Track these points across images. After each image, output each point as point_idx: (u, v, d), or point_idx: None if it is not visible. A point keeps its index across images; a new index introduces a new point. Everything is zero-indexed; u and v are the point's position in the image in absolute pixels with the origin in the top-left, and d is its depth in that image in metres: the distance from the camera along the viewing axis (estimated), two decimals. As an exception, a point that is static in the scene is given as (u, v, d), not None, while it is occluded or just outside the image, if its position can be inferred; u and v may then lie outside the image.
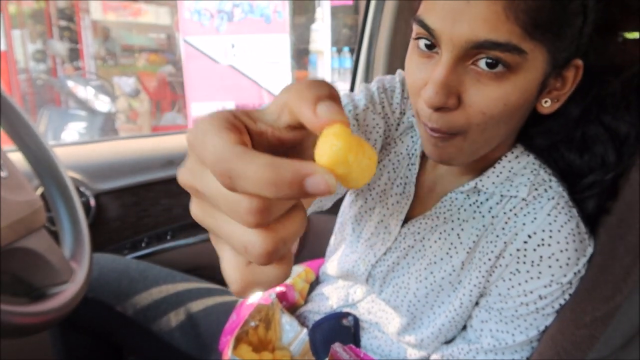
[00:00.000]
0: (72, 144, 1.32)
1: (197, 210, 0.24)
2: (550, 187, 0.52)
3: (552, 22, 0.42)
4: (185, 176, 0.23)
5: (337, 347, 0.45)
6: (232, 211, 0.20)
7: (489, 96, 0.44)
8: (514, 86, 0.43)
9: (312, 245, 1.29)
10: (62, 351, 0.88)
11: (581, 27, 0.44)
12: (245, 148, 0.19)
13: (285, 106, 0.22)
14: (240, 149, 0.19)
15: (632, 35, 0.66)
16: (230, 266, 0.23)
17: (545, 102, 0.48)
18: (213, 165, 0.20)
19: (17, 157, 0.72)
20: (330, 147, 0.19)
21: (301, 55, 4.37)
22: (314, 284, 0.82)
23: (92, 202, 1.08)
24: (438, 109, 0.45)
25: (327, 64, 3.77)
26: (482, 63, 0.43)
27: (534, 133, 0.54)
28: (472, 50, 0.43)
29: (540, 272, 0.49)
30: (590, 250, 0.49)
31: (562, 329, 0.47)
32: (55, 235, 0.72)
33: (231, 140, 0.20)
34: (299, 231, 0.22)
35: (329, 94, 0.21)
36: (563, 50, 0.45)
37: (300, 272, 0.82)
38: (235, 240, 0.21)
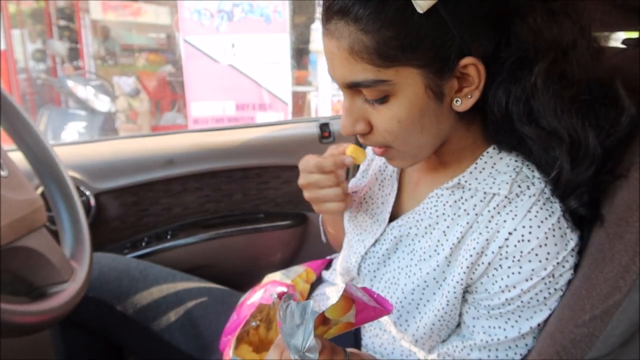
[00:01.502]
0: (72, 144, 1.32)
1: (308, 194, 0.65)
2: (533, 184, 0.53)
3: (397, 49, 0.45)
4: (302, 181, 0.65)
5: (351, 286, 0.46)
6: (327, 180, 0.63)
7: (384, 118, 0.51)
8: (399, 105, 0.49)
9: (312, 246, 1.30)
10: (63, 350, 0.88)
11: (445, 34, 0.45)
12: (323, 157, 0.64)
13: (331, 155, 0.64)
14: (322, 158, 0.64)
15: (632, 34, 0.66)
16: (334, 206, 0.64)
17: (457, 101, 0.50)
18: (315, 166, 0.63)
19: (17, 156, 0.72)
20: (349, 149, 0.63)
21: (301, 55, 4.37)
22: (315, 284, 0.82)
23: (92, 201, 1.08)
24: (356, 134, 0.55)
25: (327, 63, 3.77)
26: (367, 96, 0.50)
27: (493, 131, 0.55)
28: (353, 88, 0.50)
29: (521, 267, 0.50)
30: (572, 244, 0.50)
31: (561, 327, 0.47)
32: (56, 235, 0.72)
33: (317, 158, 0.64)
34: (346, 188, 0.65)
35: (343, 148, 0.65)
36: (435, 59, 0.46)
37: (301, 273, 0.82)
38: (331, 194, 0.63)
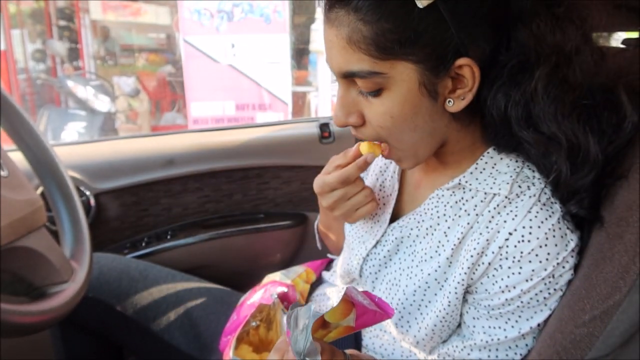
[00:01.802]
0: (72, 144, 1.32)
1: (339, 211, 0.62)
2: (533, 184, 0.53)
3: (395, 42, 0.46)
4: (327, 202, 0.61)
5: (352, 289, 0.45)
6: (354, 187, 0.60)
7: (376, 112, 0.51)
8: (392, 100, 0.49)
9: (312, 246, 1.29)
10: (62, 351, 0.88)
11: (444, 32, 0.45)
12: (343, 170, 0.59)
13: (338, 166, 0.61)
14: (343, 170, 0.59)
15: (632, 34, 0.66)
16: (367, 208, 0.61)
17: (449, 102, 0.50)
18: (338, 181, 0.59)
19: (17, 156, 0.72)
20: (363, 148, 0.57)
21: (301, 55, 4.37)
22: (315, 284, 0.82)
23: (92, 201, 1.08)
24: (348, 125, 0.54)
25: (327, 63, 3.77)
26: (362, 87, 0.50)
27: (492, 134, 0.54)
28: (348, 78, 0.50)
29: (521, 268, 0.50)
30: (572, 244, 0.50)
31: (561, 327, 0.47)
32: (56, 235, 0.72)
33: (334, 173, 0.60)
34: (373, 190, 0.63)
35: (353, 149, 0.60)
36: (432, 56, 0.46)
37: (301, 273, 0.82)
38: (362, 198, 0.60)
